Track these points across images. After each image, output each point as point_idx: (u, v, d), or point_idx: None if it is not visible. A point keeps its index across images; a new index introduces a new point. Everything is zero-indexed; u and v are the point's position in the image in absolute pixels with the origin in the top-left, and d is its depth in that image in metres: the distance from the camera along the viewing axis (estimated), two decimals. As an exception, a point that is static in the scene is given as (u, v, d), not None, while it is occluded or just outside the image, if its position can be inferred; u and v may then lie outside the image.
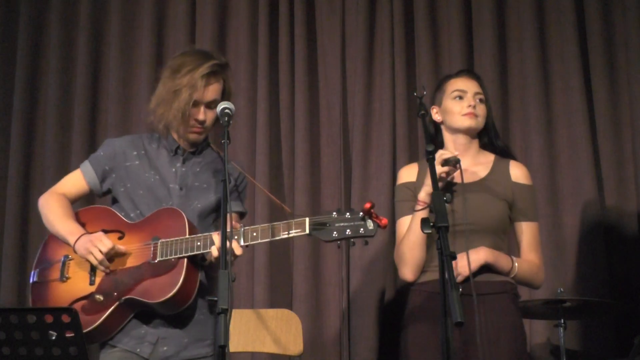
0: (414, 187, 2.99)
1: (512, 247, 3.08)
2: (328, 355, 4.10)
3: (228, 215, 2.81)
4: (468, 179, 2.93)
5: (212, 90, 2.85)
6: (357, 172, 4.23)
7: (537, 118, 4.18)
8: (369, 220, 2.55)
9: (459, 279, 2.79)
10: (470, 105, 2.97)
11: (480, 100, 3.01)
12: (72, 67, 4.56)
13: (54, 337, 2.30)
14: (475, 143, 3.04)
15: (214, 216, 2.94)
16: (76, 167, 4.31)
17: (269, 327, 3.33)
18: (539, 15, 4.30)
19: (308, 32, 4.43)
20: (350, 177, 4.26)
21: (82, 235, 2.80)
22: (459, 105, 2.99)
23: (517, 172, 3.01)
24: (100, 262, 2.76)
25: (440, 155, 2.83)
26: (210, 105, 2.86)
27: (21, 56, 4.56)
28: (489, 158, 3.05)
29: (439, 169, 2.81)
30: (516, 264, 2.90)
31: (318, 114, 4.37)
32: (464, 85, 3.03)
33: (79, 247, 2.79)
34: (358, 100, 4.30)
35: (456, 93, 3.01)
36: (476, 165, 3.02)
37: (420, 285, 2.93)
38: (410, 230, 2.89)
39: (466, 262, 2.74)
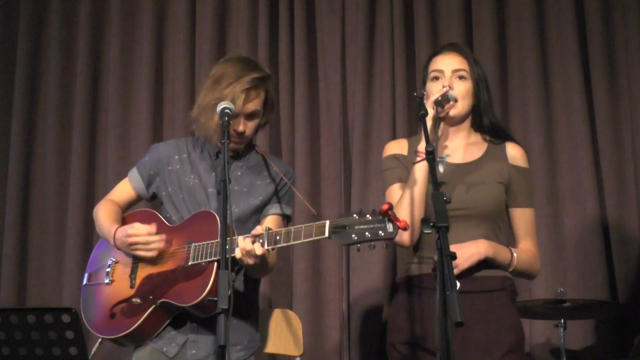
0: (405, 159, 2.85)
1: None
2: (328, 356, 4.10)
3: (270, 217, 2.92)
4: (461, 159, 2.80)
5: (253, 103, 2.86)
6: (357, 172, 4.23)
7: (537, 118, 4.18)
8: (389, 223, 2.46)
9: (455, 271, 2.52)
10: (444, 86, 2.74)
11: (460, 77, 2.79)
12: (72, 67, 4.56)
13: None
14: (466, 124, 2.85)
15: (256, 219, 2.96)
16: (76, 167, 4.39)
17: (269, 327, 3.33)
18: (539, 15, 4.30)
19: (308, 32, 4.43)
20: (350, 177, 4.26)
21: (116, 230, 2.87)
22: (436, 87, 2.78)
23: (514, 154, 2.83)
24: (142, 245, 2.80)
25: (430, 100, 2.69)
26: (252, 115, 2.88)
27: (21, 56, 4.56)
28: (481, 139, 2.87)
29: (433, 112, 2.65)
30: (515, 256, 2.74)
31: (318, 114, 4.37)
32: (442, 63, 2.81)
33: (117, 243, 2.86)
34: (358, 100, 4.30)
35: (433, 74, 2.81)
36: (468, 145, 2.85)
37: (413, 279, 2.77)
38: (409, 186, 2.68)
39: (463, 255, 2.63)
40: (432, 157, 2.47)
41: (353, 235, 2.48)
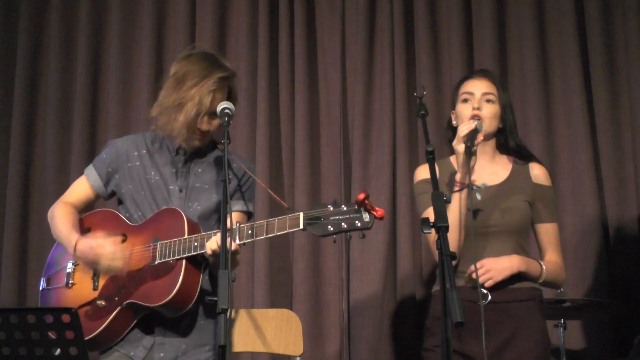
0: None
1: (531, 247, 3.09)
2: (328, 356, 4.10)
3: (234, 214, 2.78)
4: (488, 180, 2.98)
5: (218, 101, 2.77)
6: (357, 172, 4.23)
7: (537, 118, 4.18)
8: (365, 212, 2.42)
9: (489, 283, 2.82)
10: (474, 108, 2.95)
11: (489, 100, 2.99)
12: (72, 67, 4.56)
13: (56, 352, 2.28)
14: (491, 145, 3.04)
15: (219, 216, 2.87)
16: (76, 167, 4.38)
17: (269, 327, 3.32)
18: (539, 15, 4.30)
19: (308, 32, 4.43)
20: (350, 177, 4.26)
21: (77, 242, 2.76)
22: (466, 109, 2.98)
23: (538, 173, 3.03)
24: (110, 270, 2.72)
25: (461, 133, 2.83)
26: (216, 114, 2.78)
27: (21, 56, 4.56)
28: (506, 160, 3.06)
29: (462, 148, 2.80)
30: (544, 268, 2.93)
31: (318, 114, 4.37)
32: (472, 86, 3.02)
33: (78, 254, 2.76)
34: (358, 100, 4.30)
35: (464, 96, 3.01)
36: (494, 166, 3.03)
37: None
38: (449, 213, 2.73)
39: (498, 267, 2.81)
40: (432, 157, 2.54)
41: (329, 227, 2.44)
